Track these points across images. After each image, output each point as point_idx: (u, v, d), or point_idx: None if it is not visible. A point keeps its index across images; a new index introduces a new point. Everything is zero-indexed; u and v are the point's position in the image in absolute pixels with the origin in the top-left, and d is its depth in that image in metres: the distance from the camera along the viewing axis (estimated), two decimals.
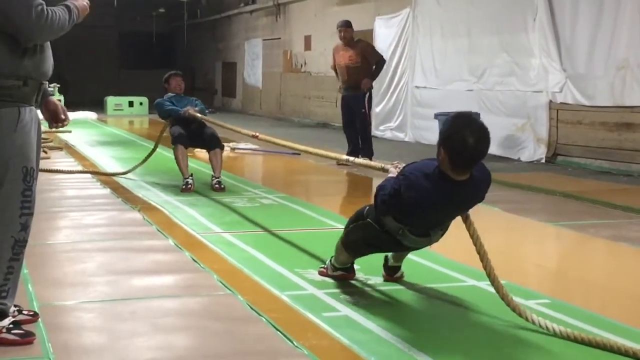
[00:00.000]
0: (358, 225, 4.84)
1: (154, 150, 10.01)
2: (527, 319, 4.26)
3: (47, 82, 4.10)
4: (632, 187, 9.70)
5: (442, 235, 4.75)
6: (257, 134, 7.96)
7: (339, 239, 5.05)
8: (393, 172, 4.65)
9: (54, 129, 4.57)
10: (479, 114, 12.23)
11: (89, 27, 26.63)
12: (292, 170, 11.70)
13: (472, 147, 4.18)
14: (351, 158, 6.54)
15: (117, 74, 33.01)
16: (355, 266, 5.36)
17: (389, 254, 5.13)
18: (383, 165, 5.13)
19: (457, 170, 4.27)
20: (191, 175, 9.02)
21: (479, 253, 4.52)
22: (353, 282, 5.11)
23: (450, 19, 14.64)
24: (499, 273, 5.26)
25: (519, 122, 12.83)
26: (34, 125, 3.98)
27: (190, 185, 8.86)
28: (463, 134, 4.19)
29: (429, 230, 4.62)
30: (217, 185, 8.96)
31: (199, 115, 9.19)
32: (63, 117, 4.26)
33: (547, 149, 12.37)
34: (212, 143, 9.25)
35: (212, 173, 9.16)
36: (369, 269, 5.35)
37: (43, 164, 10.39)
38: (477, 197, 4.54)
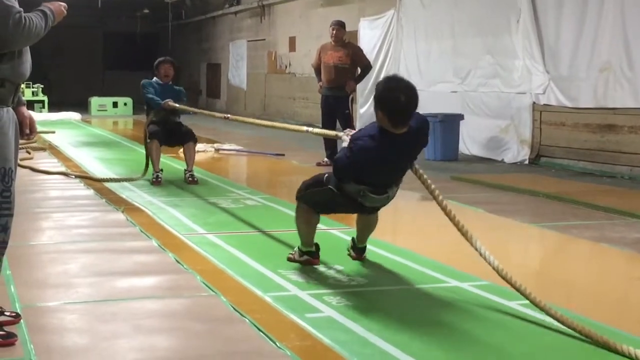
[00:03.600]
0: (320, 190, 5.33)
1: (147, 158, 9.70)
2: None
3: (21, 88, 4.08)
4: (615, 188, 9.75)
5: (396, 191, 5.31)
6: (228, 115, 8.53)
7: (297, 205, 5.51)
8: (346, 140, 5.20)
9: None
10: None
11: (73, 27, 26.64)
12: (275, 171, 11.71)
13: (404, 103, 4.88)
14: (310, 129, 7.09)
15: (101, 75, 32.93)
16: (339, 267, 5.38)
17: (354, 237, 5.72)
18: (337, 133, 5.84)
19: (395, 126, 4.93)
20: (161, 170, 9.47)
21: (432, 193, 5.04)
22: (335, 283, 5.12)
23: (435, 21, 14.68)
24: (482, 274, 5.30)
25: (502, 124, 12.88)
26: (12, 125, 3.96)
27: (160, 179, 9.33)
28: (394, 93, 4.89)
29: (386, 187, 5.17)
30: (190, 179, 9.41)
31: (177, 105, 9.47)
32: (28, 131, 4.21)
33: (530, 151, 12.41)
34: (186, 137, 9.67)
35: (185, 167, 9.59)
36: (351, 271, 5.37)
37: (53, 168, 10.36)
38: (419, 143, 5.24)
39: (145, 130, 9.66)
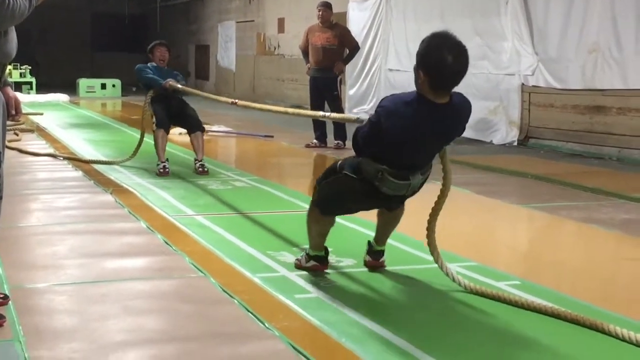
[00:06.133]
0: (331, 180, 4.68)
1: (142, 138, 9.52)
2: (454, 281, 4.64)
3: (7, 69, 4.06)
4: (603, 169, 9.78)
5: (422, 182, 4.67)
6: (236, 100, 7.98)
7: (309, 205, 4.90)
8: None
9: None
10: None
11: (61, 8, 26.49)
12: (264, 153, 11.69)
13: (450, 64, 4.20)
14: (327, 113, 6.72)
15: (90, 56, 32.77)
16: (327, 248, 5.38)
17: (371, 240, 5.05)
18: (358, 116, 5.17)
19: (437, 91, 4.30)
20: (167, 159, 8.91)
21: (440, 199, 4.88)
22: None
23: (424, 2, 14.65)
24: (471, 255, 5.32)
25: (491, 105, 12.88)
26: (0, 107, 3.94)
27: (167, 169, 8.80)
28: (441, 51, 4.21)
29: (409, 171, 4.49)
30: (200, 169, 8.92)
31: (179, 86, 9.06)
32: (14, 112, 4.18)
33: (519, 132, 12.43)
34: (194, 126, 9.22)
35: (195, 156, 9.09)
36: (340, 251, 5.37)
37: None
38: (458, 124, 4.62)
39: (145, 105, 9.14)
